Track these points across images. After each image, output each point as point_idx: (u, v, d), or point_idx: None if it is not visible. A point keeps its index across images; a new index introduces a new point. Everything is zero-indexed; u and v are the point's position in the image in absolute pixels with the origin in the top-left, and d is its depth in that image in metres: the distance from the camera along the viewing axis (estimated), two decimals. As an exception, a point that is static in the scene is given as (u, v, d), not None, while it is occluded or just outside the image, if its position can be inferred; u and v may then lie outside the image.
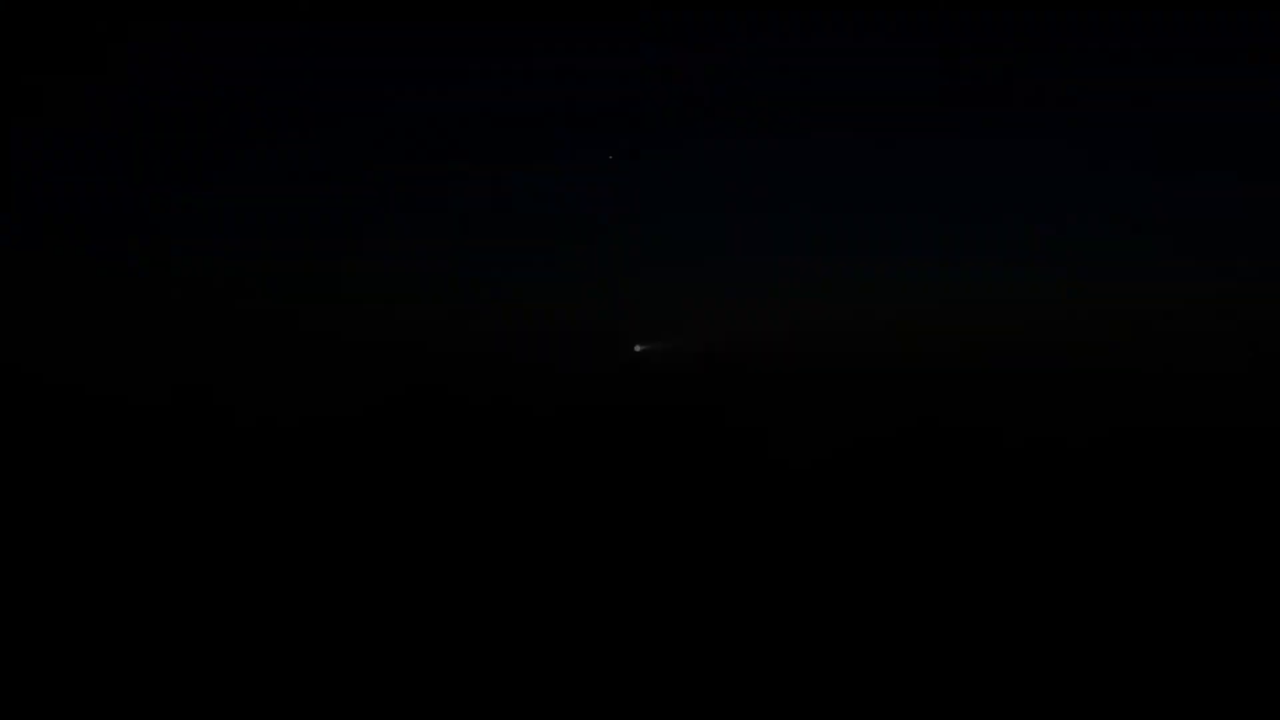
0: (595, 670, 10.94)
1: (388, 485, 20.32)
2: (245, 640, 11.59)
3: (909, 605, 13.15)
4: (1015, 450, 24.55)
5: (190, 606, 12.75)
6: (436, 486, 20.34)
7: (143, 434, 24.68)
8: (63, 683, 10.30)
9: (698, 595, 13.63)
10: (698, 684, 10.58)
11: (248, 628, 12.03)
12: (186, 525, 16.78)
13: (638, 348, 29.23)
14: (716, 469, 23.71)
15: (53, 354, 29.88)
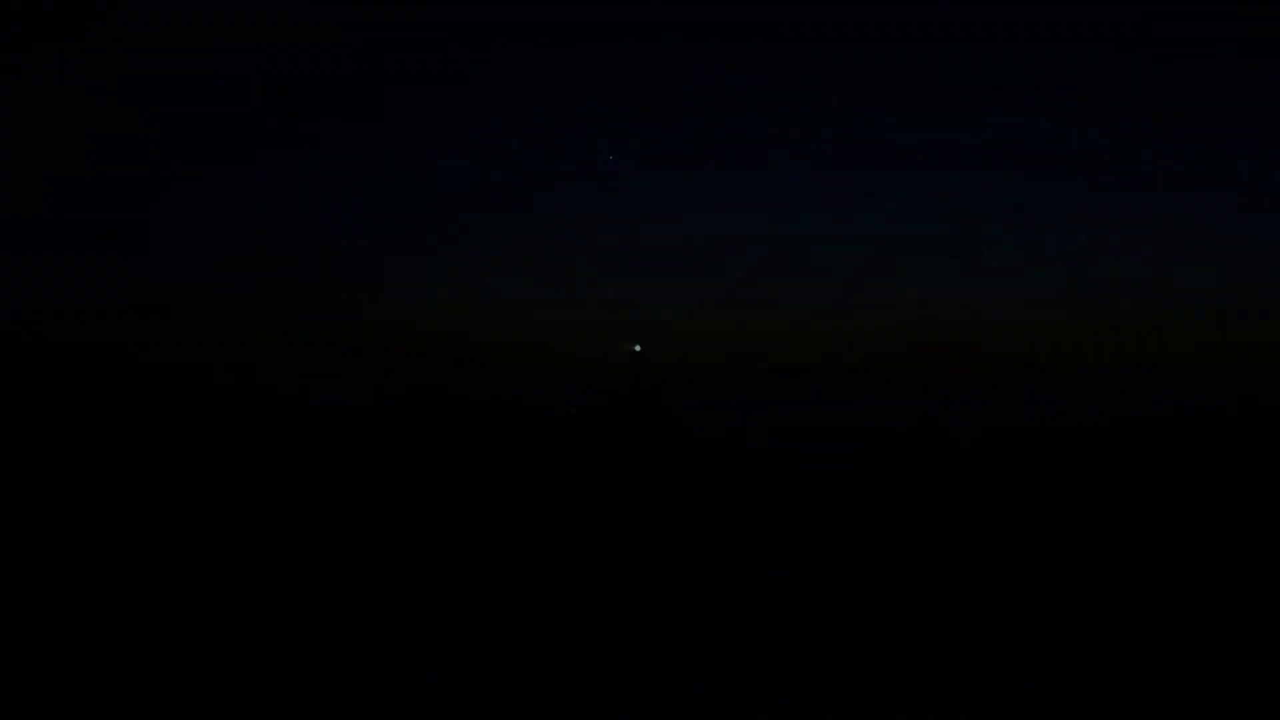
0: (593, 669, 10.94)
1: (387, 483, 20.32)
2: (243, 641, 11.60)
3: (904, 602, 13.15)
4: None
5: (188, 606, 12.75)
6: (435, 486, 20.35)
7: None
8: (61, 682, 10.30)
9: (694, 594, 13.63)
10: (695, 683, 10.58)
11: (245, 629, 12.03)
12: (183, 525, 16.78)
13: (637, 347, 29.27)
14: (714, 467, 23.68)
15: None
